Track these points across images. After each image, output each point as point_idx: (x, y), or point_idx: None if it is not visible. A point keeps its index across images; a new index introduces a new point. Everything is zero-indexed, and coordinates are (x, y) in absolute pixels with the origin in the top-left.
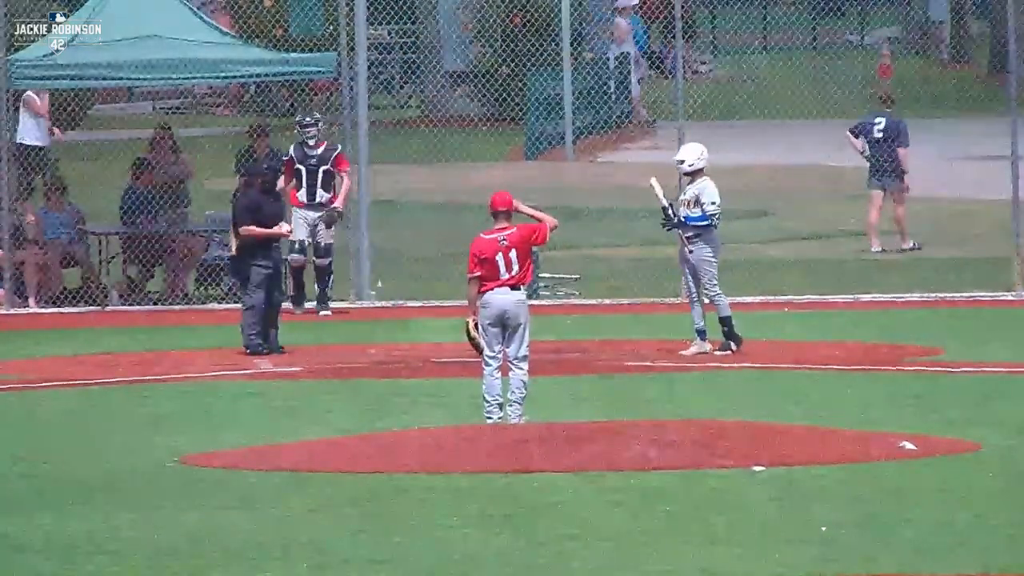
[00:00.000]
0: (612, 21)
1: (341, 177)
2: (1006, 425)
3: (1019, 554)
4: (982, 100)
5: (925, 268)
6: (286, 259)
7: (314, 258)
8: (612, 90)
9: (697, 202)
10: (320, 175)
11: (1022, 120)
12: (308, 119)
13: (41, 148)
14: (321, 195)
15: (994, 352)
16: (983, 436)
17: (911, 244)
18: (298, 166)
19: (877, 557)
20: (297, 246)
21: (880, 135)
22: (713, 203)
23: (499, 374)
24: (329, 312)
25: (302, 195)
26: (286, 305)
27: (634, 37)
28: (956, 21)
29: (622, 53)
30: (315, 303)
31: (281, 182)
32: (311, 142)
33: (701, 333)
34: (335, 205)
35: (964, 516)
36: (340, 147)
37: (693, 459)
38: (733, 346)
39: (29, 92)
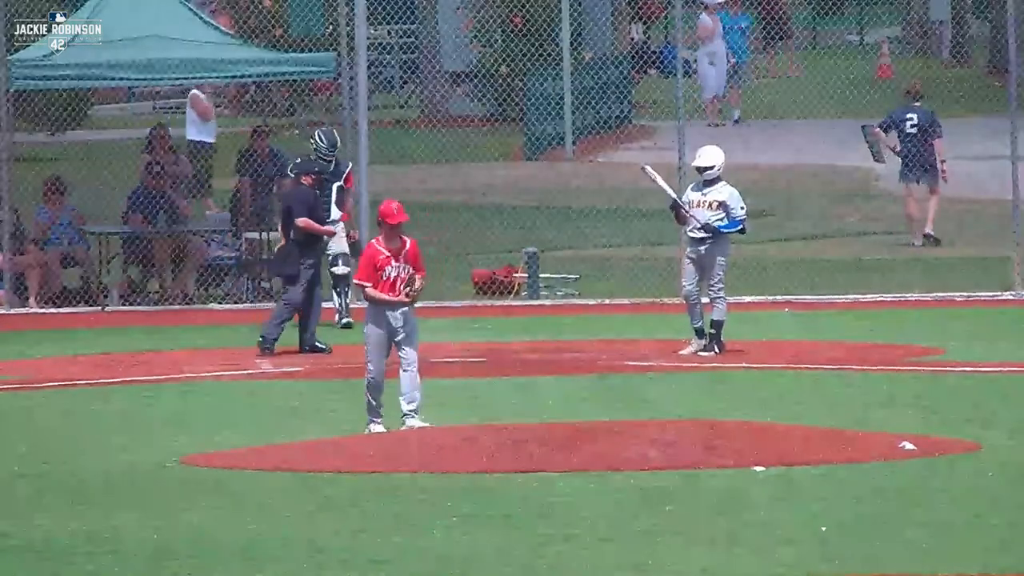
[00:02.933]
0: (698, 18)
1: (349, 193)
2: (1006, 425)
3: (1019, 554)
4: (982, 100)
5: (925, 268)
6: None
7: (331, 269)
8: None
9: (720, 206)
10: (335, 192)
11: (1022, 120)
12: (330, 150)
13: (211, 144)
14: (335, 212)
15: (994, 352)
16: (983, 436)
17: (930, 231)
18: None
19: (877, 557)
20: (342, 260)
21: (913, 130)
22: (742, 207)
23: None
24: (351, 323)
25: None
26: (328, 305)
27: (724, 34)
28: (956, 21)
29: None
30: (337, 314)
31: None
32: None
33: (699, 332)
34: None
35: (964, 516)
36: (351, 163)
37: (693, 459)
38: (716, 349)
39: (195, 91)
